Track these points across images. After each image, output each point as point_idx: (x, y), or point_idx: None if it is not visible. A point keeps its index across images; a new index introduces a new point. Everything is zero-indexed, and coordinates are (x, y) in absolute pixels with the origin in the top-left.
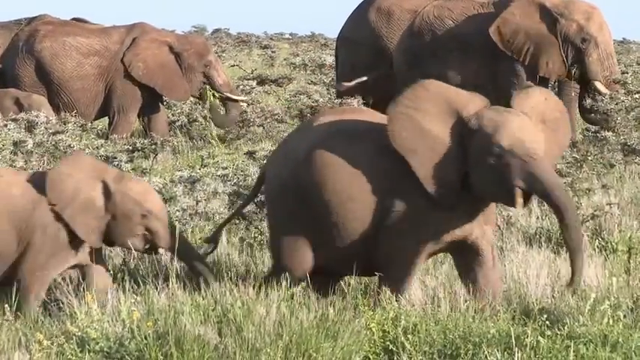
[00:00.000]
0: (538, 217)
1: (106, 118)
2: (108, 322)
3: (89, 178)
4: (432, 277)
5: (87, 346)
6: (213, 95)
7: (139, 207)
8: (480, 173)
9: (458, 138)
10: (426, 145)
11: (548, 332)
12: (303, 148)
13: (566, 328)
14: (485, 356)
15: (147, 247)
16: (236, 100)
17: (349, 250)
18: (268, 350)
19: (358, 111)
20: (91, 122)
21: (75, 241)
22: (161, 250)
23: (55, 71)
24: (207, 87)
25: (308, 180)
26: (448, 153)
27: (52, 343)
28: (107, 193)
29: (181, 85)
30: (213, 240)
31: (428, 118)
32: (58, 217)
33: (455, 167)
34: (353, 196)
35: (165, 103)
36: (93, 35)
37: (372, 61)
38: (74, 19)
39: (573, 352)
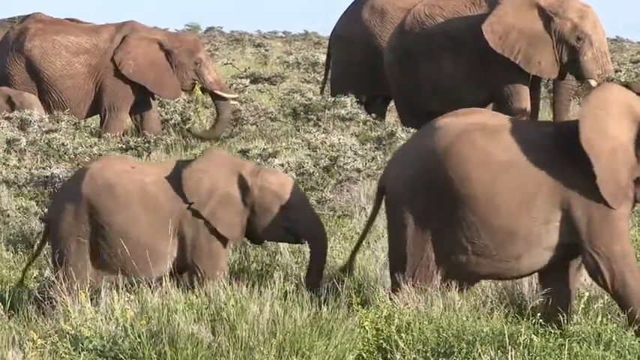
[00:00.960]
0: None
1: (99, 116)
2: (101, 320)
3: (225, 174)
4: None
5: (80, 345)
6: (202, 92)
7: (278, 199)
8: None
9: (634, 143)
10: (608, 147)
11: (542, 331)
12: (436, 147)
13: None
14: (479, 354)
15: (290, 238)
16: (226, 99)
17: (489, 250)
18: (262, 349)
19: (477, 112)
20: (84, 120)
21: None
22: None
23: (45, 70)
24: (197, 85)
25: (446, 178)
26: (625, 157)
27: (46, 342)
28: (244, 187)
29: (172, 82)
30: (348, 269)
31: (612, 120)
32: (198, 215)
33: (628, 172)
34: (499, 191)
35: (158, 101)
36: (82, 34)
37: (365, 59)
38: (67, 19)
39: (567, 350)
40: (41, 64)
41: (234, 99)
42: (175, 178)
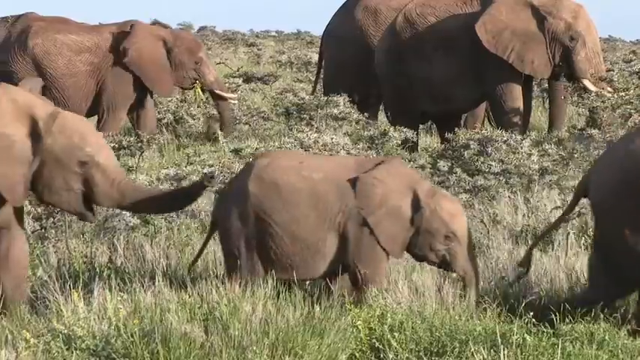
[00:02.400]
0: (524, 215)
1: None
2: (94, 319)
3: (400, 187)
4: (418, 275)
5: (73, 344)
6: (202, 91)
7: (445, 227)
8: None
9: None
10: None
11: (535, 330)
12: (633, 151)
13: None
14: (472, 354)
15: (444, 267)
16: (226, 99)
17: None
18: (254, 348)
19: None
20: (102, 118)
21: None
22: (455, 275)
23: (47, 68)
24: (197, 84)
25: None
26: None
27: (39, 341)
28: (416, 205)
29: (168, 81)
30: (525, 264)
31: None
32: (364, 222)
33: None
34: None
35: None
36: (84, 32)
37: (358, 58)
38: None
39: (560, 350)
40: (43, 63)
41: (232, 99)
42: (346, 177)
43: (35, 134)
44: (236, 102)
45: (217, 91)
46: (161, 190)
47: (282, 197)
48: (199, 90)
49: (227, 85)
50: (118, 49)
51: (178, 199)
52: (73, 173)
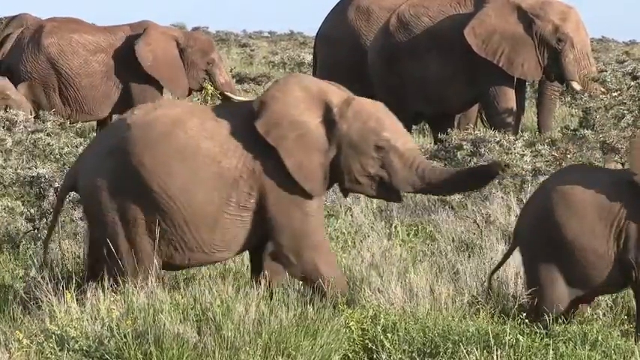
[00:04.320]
0: (517, 215)
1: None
2: (87, 320)
3: None
4: (411, 276)
5: (66, 345)
6: (212, 94)
7: None
8: None
9: None
10: None
11: (528, 330)
12: None
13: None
14: (465, 354)
15: None
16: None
17: None
18: (247, 349)
19: None
20: (111, 119)
21: None
22: None
23: (63, 67)
24: (207, 82)
25: None
26: None
27: (32, 342)
28: None
29: (183, 81)
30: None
31: None
32: None
33: None
34: None
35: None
36: (98, 33)
37: (350, 59)
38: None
39: (552, 350)
40: (58, 62)
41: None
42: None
43: (330, 121)
44: None
45: (227, 93)
46: (456, 169)
47: (570, 212)
48: (209, 90)
49: None
50: (131, 49)
51: (475, 178)
52: (370, 158)
